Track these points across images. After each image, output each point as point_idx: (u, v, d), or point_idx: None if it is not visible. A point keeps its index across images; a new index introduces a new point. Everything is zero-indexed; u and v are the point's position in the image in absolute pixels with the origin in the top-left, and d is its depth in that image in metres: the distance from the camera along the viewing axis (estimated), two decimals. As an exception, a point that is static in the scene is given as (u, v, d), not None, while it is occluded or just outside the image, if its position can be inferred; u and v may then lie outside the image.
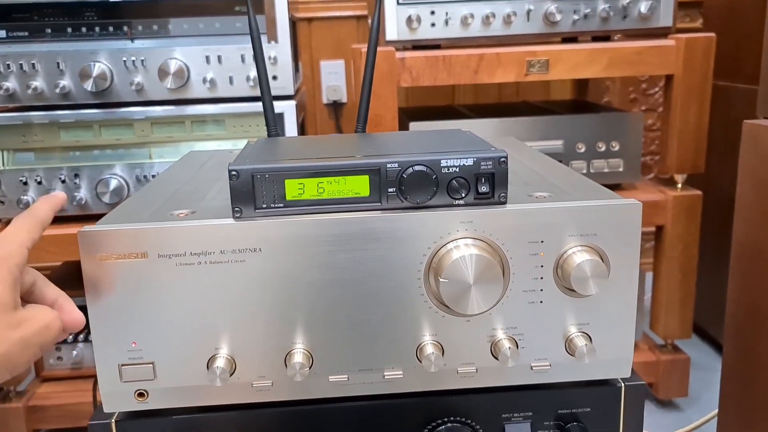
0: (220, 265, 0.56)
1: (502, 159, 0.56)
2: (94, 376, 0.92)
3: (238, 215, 0.56)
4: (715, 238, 1.53)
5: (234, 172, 0.55)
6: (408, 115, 1.40)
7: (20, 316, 0.47)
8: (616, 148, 1.29)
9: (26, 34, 1.16)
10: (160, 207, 0.61)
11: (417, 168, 0.56)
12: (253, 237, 0.56)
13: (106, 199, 1.19)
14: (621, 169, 1.30)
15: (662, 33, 1.25)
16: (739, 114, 0.91)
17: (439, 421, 0.61)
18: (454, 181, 0.56)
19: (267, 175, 0.56)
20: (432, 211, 0.57)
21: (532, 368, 0.60)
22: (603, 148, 1.29)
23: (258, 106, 1.21)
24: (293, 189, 0.56)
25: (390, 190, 0.56)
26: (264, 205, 0.56)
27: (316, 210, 0.56)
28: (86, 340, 1.30)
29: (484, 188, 0.57)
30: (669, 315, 1.34)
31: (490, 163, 0.56)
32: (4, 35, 1.16)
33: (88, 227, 0.55)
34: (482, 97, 1.90)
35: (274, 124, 0.76)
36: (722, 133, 1.48)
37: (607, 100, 1.94)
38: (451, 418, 0.61)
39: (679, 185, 1.29)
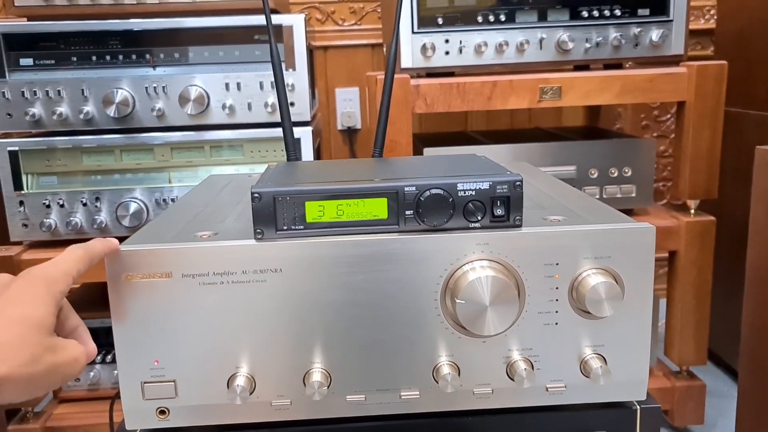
0: (241, 284, 0.57)
1: (518, 183, 0.58)
2: (111, 398, 0.93)
3: (259, 236, 0.57)
4: (729, 265, 1.52)
5: (256, 195, 0.57)
6: (422, 141, 1.42)
7: (56, 343, 0.48)
8: (629, 174, 1.30)
9: (53, 62, 1.20)
10: (183, 228, 0.63)
11: (434, 191, 0.57)
12: (274, 258, 0.57)
13: (125, 222, 1.21)
14: (633, 195, 1.31)
15: (674, 61, 1.27)
16: (751, 140, 0.92)
17: (455, 442, 0.62)
18: (470, 204, 0.58)
19: (288, 198, 0.57)
20: (448, 233, 0.58)
21: (547, 390, 0.61)
22: (615, 174, 1.30)
23: (275, 132, 1.24)
24: (313, 211, 0.58)
25: (407, 212, 0.58)
26: (285, 227, 0.58)
27: (336, 232, 0.58)
28: (103, 361, 1.31)
29: (499, 211, 0.58)
30: (683, 341, 1.33)
31: (506, 186, 0.58)
32: (32, 63, 1.20)
33: (114, 247, 0.57)
34: (495, 123, 1.92)
35: (293, 148, 0.78)
36: (735, 160, 1.49)
37: (619, 127, 1.95)
38: (467, 439, 0.62)
39: (692, 211, 1.29)
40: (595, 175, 1.30)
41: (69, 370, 0.49)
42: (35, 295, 0.48)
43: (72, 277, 0.52)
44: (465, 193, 0.58)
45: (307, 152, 1.24)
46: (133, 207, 1.22)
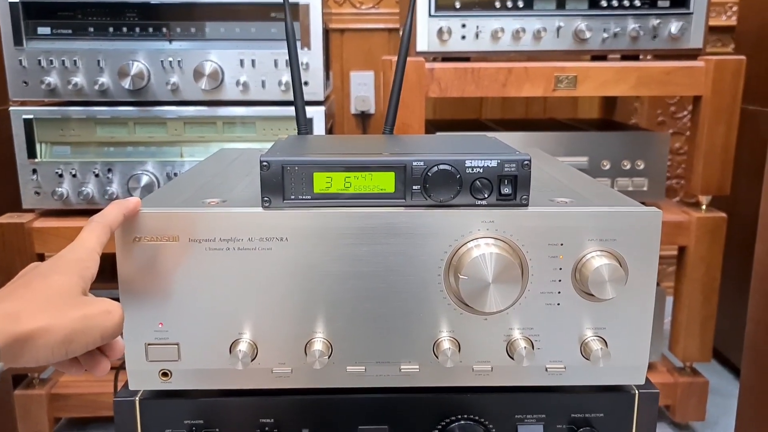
0: (247, 251, 0.58)
1: (526, 162, 0.58)
2: (117, 368, 0.94)
3: (267, 204, 0.58)
4: (739, 264, 1.51)
5: (265, 163, 0.57)
6: (435, 126, 1.42)
7: (83, 300, 0.49)
8: (641, 167, 1.29)
9: (70, 31, 1.21)
10: (192, 195, 0.64)
11: (442, 167, 0.57)
12: (280, 226, 0.58)
13: (136, 194, 1.22)
14: (645, 188, 1.30)
15: (692, 54, 1.26)
16: None
17: (453, 418, 0.62)
18: (477, 182, 0.58)
19: (296, 168, 0.58)
20: (454, 209, 0.58)
21: (546, 370, 0.61)
22: (628, 167, 1.29)
23: (288, 110, 1.24)
24: (321, 182, 0.58)
25: (415, 187, 0.58)
26: (292, 197, 0.58)
27: (342, 203, 0.58)
28: (110, 331, 1.33)
29: (506, 190, 0.58)
30: (689, 337, 1.33)
31: (514, 165, 0.58)
32: (49, 32, 1.20)
33: (123, 209, 0.57)
34: (509, 112, 1.91)
35: (304, 122, 0.78)
36: (750, 158, 1.47)
37: (635, 122, 1.94)
38: (465, 416, 0.62)
39: (704, 207, 1.29)
40: (607, 167, 1.29)
41: (103, 322, 0.48)
42: (64, 270, 0.49)
43: (97, 254, 0.53)
44: (473, 170, 0.58)
45: (318, 133, 1.24)
46: (144, 179, 1.23)
